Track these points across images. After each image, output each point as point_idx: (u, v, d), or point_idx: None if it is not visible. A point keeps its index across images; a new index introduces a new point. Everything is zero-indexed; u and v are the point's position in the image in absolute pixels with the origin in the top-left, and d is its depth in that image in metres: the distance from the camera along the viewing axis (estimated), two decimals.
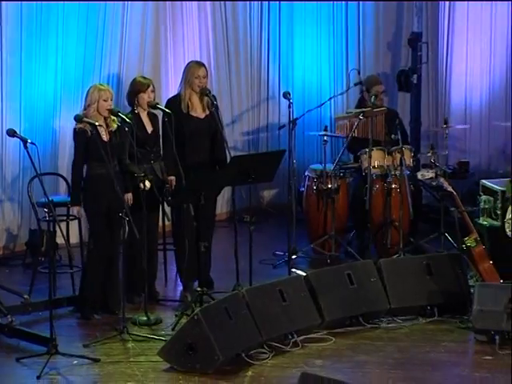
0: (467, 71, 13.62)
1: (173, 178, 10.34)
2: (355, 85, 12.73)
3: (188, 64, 10.83)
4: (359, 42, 13.70)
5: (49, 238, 10.54)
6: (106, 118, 9.91)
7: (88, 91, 9.98)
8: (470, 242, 10.49)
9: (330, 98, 13.21)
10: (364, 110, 11.80)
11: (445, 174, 11.74)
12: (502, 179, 11.45)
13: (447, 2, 13.52)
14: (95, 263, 10.13)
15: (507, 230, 10.60)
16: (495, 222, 11.04)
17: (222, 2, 13.24)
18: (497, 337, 9.30)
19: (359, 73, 12.81)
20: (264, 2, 13.51)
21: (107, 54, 12.24)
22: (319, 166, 12.01)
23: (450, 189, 11.07)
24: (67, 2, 11.87)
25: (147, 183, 9.87)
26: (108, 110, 9.89)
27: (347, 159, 12.25)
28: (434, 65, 13.67)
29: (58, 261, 10.86)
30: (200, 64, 10.84)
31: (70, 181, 10.43)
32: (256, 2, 13.47)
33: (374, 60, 13.70)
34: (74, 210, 9.99)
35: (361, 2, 13.60)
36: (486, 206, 11.42)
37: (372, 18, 13.69)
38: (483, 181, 11.77)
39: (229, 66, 13.41)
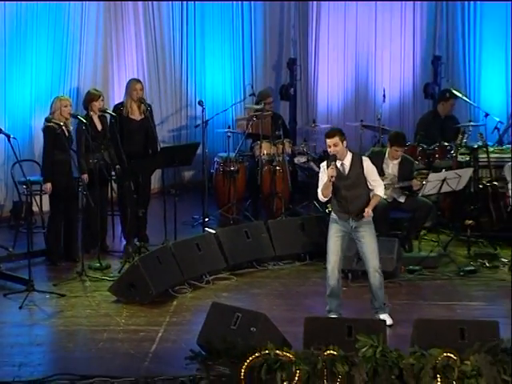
0: (328, 86, 13.68)
1: (117, 166, 10.32)
2: (249, 95, 12.80)
3: (129, 80, 10.85)
4: (252, 64, 13.71)
5: (27, 207, 10.44)
6: (66, 121, 9.91)
7: (52, 102, 10.03)
8: (330, 207, 10.59)
9: (232, 105, 13.27)
10: (256, 113, 11.88)
11: (313, 159, 11.87)
12: None
13: (314, 36, 13.60)
14: (55, 225, 10.10)
15: None
16: None
17: (154, 33, 13.16)
18: (349, 274, 9.45)
19: (252, 87, 12.87)
20: (184, 33, 13.43)
21: (69, 71, 12.09)
22: (224, 154, 12.02)
23: (317, 170, 11.19)
24: (40, 30, 11.77)
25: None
26: (68, 113, 9.93)
27: (245, 149, 12.27)
28: (305, 81, 13.71)
29: (33, 223, 10.74)
30: (137, 80, 10.87)
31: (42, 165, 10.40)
32: (178, 34, 13.41)
33: (263, 77, 13.72)
34: (47, 186, 9.90)
35: (253, 36, 13.61)
36: None
37: (261, 47, 13.69)
38: None
39: (158, 81, 13.33)
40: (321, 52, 13.62)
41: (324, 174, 8.21)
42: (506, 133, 12.44)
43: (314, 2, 13.60)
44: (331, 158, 8.11)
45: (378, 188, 8.32)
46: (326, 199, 8.32)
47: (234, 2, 13.55)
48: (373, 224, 8.38)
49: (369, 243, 8.31)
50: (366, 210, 8.22)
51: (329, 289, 8.36)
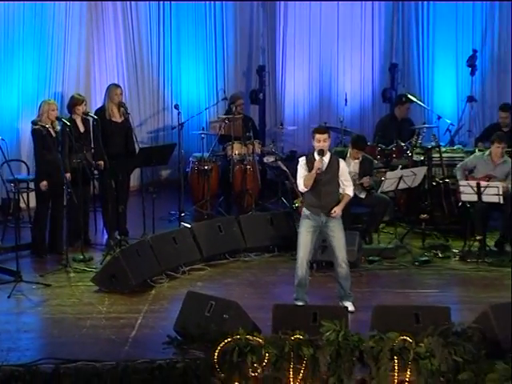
0: (294, 91, 13.70)
1: (101, 162, 10.29)
2: (222, 99, 12.80)
3: (109, 86, 10.78)
4: (224, 71, 13.69)
5: (15, 203, 10.35)
6: (52, 124, 9.87)
7: (40, 105, 9.99)
8: (297, 203, 10.65)
9: (206, 108, 13.24)
10: (229, 116, 11.91)
11: (281, 158, 11.88)
12: None
13: (281, 45, 13.62)
14: (41, 220, 10.06)
15: None
16: None
17: (133, 42, 13.11)
18: (314, 264, 9.40)
19: (225, 92, 12.88)
20: (160, 42, 13.40)
21: (54, 77, 12.04)
22: (199, 154, 12.00)
23: (284, 168, 11.22)
24: (27, 38, 11.74)
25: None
26: (55, 116, 9.89)
27: (218, 149, 12.25)
28: (273, 86, 13.70)
29: (21, 219, 10.66)
30: (117, 85, 10.80)
31: (31, 165, 10.36)
32: (155, 43, 13.37)
33: (234, 83, 13.71)
34: (44, 183, 9.83)
35: (225, 45, 13.59)
36: None
37: (233, 55, 13.68)
38: None
39: (137, 86, 13.30)
40: (288, 60, 13.63)
41: (303, 167, 8.35)
42: (456, 134, 12.54)
43: (281, 13, 13.60)
44: (319, 152, 8.25)
45: (349, 188, 8.43)
46: (306, 189, 8.39)
47: (207, 2, 13.48)
48: (341, 219, 8.44)
49: (338, 237, 8.37)
50: (336, 209, 8.30)
51: (297, 279, 8.41)
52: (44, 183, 9.83)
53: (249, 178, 11.65)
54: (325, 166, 8.31)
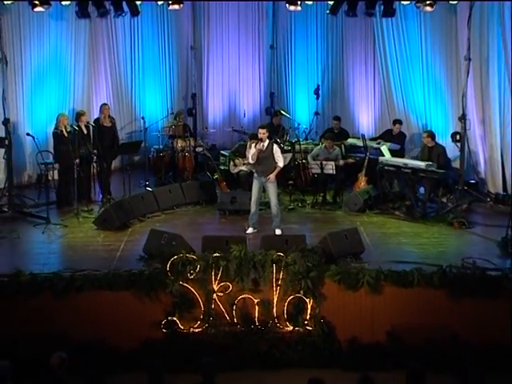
0: (214, 108, 13.42)
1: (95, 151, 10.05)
2: (170, 114, 12.58)
3: (101, 104, 10.61)
4: (172, 96, 13.36)
5: (45, 177, 10.04)
6: (65, 128, 9.60)
7: (57, 117, 9.80)
8: (216, 175, 10.67)
9: (161, 119, 12.92)
10: (175, 124, 11.76)
11: (206, 149, 11.78)
12: (228, 150, 11.66)
13: (205, 80, 13.43)
14: (61, 188, 9.85)
15: (231, 170, 10.86)
16: (226, 167, 11.21)
17: (116, 78, 12.69)
18: (227, 212, 9.48)
19: (172, 109, 12.67)
20: (133, 77, 12.97)
21: (67, 99, 11.58)
22: (157, 146, 11.75)
23: (208, 155, 11.18)
24: (51, 77, 11.29)
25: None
26: (67, 123, 9.67)
27: (168, 143, 11.97)
28: (201, 106, 13.35)
29: (49, 186, 10.30)
30: (106, 104, 10.64)
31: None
32: (130, 79, 12.98)
33: (178, 103, 13.25)
34: (58, 165, 9.68)
35: (172, 81, 13.32)
36: (223, 161, 11.61)
37: (177, 86, 13.41)
38: (222, 151, 11.91)
39: (119, 105, 12.80)
40: (209, 90, 13.44)
41: (252, 148, 8.45)
42: (309, 134, 12.71)
43: (206, 60, 13.36)
44: (259, 140, 8.39)
45: (280, 162, 8.56)
46: (252, 162, 8.47)
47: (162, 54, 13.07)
48: (276, 181, 8.50)
49: (272, 191, 8.48)
50: (270, 175, 8.41)
51: (250, 214, 8.50)
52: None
53: (187, 160, 11.52)
54: (264, 147, 8.43)
